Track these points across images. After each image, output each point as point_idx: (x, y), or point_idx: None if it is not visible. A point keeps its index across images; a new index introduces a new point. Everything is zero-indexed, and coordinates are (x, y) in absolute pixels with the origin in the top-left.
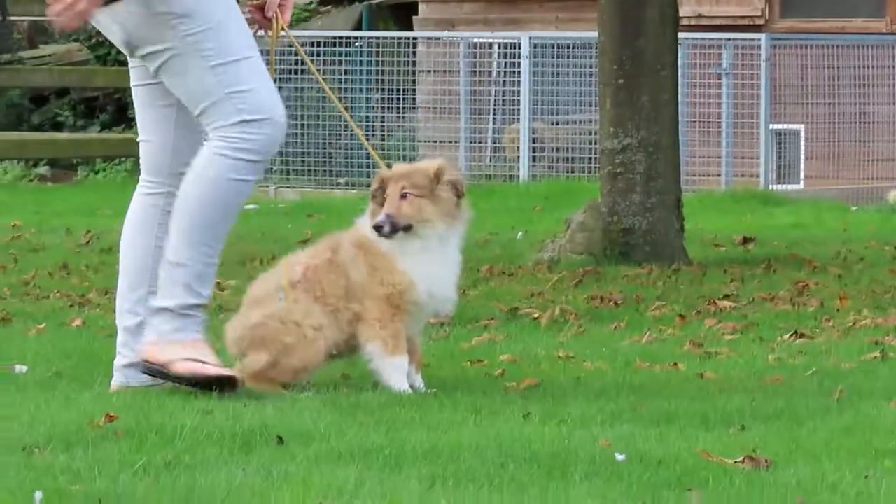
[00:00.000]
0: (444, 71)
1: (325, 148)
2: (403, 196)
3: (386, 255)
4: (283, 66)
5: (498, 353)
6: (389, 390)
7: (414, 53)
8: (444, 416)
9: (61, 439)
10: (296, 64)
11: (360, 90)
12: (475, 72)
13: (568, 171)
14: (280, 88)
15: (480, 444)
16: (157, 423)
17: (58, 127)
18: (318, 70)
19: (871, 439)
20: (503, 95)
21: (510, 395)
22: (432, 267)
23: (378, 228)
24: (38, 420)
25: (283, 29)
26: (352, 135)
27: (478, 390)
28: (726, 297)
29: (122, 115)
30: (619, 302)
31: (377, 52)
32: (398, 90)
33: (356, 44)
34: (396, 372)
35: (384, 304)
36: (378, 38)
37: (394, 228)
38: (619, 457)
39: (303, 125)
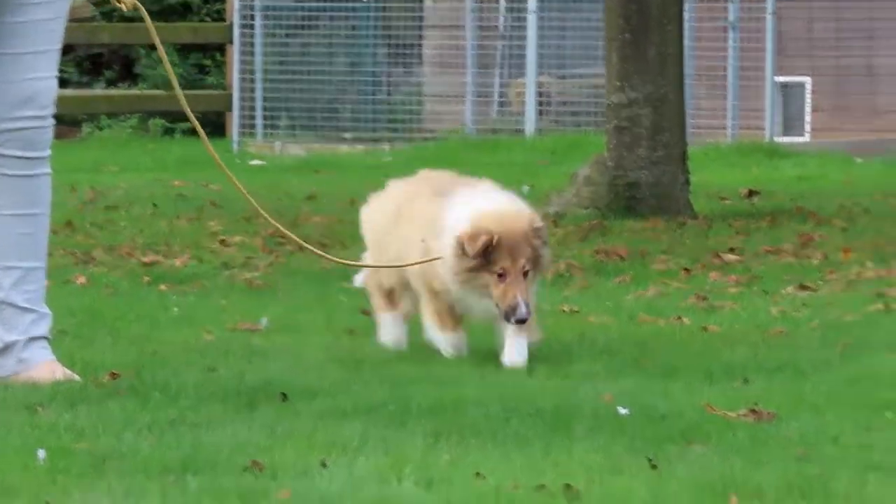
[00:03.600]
0: (451, 25)
1: (331, 103)
2: (524, 274)
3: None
4: (289, 22)
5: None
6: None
7: (421, 8)
8: (448, 371)
9: (65, 398)
10: (302, 19)
11: (367, 45)
12: (481, 26)
13: (574, 126)
14: (286, 44)
15: (484, 399)
16: (160, 382)
17: (63, 84)
18: (324, 26)
19: (873, 392)
20: (509, 49)
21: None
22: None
23: (523, 322)
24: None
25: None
26: (358, 90)
27: (482, 346)
28: (731, 250)
29: (127, 71)
30: (623, 256)
31: (384, 8)
32: (405, 45)
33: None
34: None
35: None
36: None
37: (530, 315)
38: (623, 411)
39: (308, 80)
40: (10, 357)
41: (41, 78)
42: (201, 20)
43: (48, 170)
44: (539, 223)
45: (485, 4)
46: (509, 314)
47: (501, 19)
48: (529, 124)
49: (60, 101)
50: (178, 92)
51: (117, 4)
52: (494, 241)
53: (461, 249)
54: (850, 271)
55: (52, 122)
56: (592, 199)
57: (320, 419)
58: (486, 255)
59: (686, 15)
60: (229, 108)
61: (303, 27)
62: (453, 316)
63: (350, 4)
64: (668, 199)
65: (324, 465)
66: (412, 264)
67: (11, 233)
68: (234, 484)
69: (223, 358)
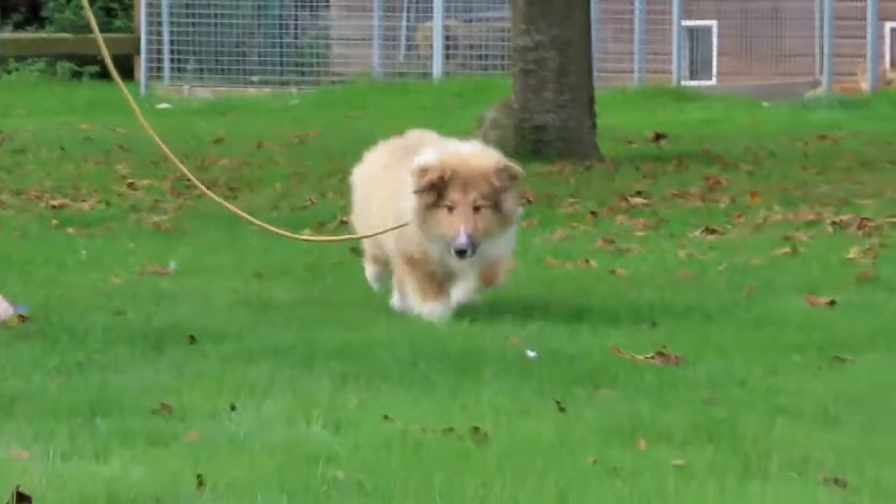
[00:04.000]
0: None
1: (238, 47)
2: (476, 209)
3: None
4: None
5: None
6: (302, 290)
7: None
8: (356, 314)
9: None
10: None
11: None
12: None
13: (481, 69)
14: None
15: (392, 342)
16: (69, 324)
17: None
18: None
19: (780, 335)
20: None
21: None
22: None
23: (462, 253)
24: None
25: None
26: (265, 33)
27: (388, 289)
28: (638, 193)
29: (34, 15)
30: (531, 199)
31: None
32: None
33: None
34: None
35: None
36: None
37: (474, 250)
38: (531, 354)
39: (215, 24)
40: None
41: None
42: None
43: None
44: (503, 165)
45: None
46: (450, 244)
47: None
48: (437, 68)
49: None
50: (98, 35)
51: None
52: (446, 176)
53: (415, 182)
54: (757, 215)
55: None
56: (499, 142)
57: (228, 362)
58: (438, 190)
59: None
60: (137, 52)
61: None
62: (436, 284)
63: None
64: (575, 143)
65: (232, 407)
66: (374, 235)
67: None
68: (142, 426)
69: (131, 301)
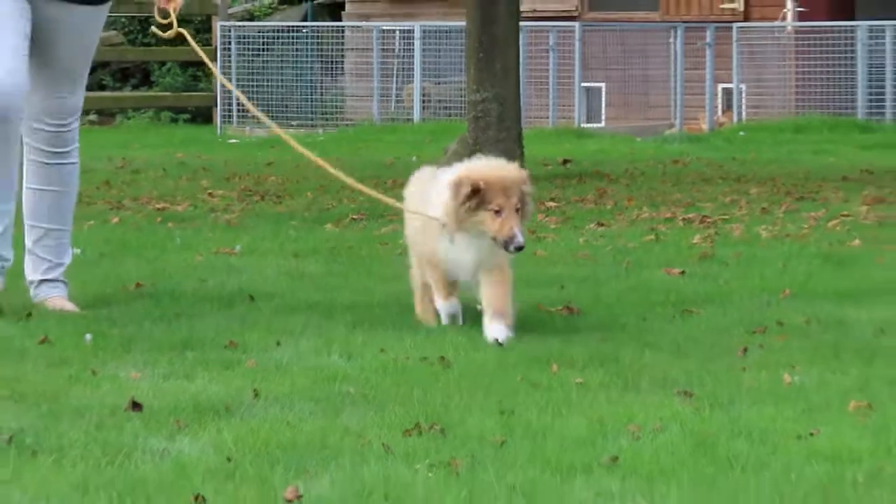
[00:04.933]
0: (363, 49)
1: (283, 100)
2: (517, 211)
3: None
4: (254, 46)
5: (399, 239)
6: (326, 265)
7: (342, 37)
8: (362, 282)
9: (102, 299)
10: (262, 44)
11: (306, 62)
12: (384, 49)
13: (447, 116)
14: (252, 60)
15: (387, 301)
16: (168, 288)
17: (102, 87)
18: (278, 49)
19: (647, 294)
20: (403, 65)
21: (407, 267)
22: (465, 258)
23: (521, 249)
24: (88, 285)
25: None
26: (301, 91)
27: (387, 264)
28: (552, 199)
29: (146, 79)
30: None
31: (318, 36)
32: (332, 62)
33: (304, 31)
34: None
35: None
36: (318, 26)
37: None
38: (479, 307)
39: (267, 85)
40: (32, 290)
41: (64, 97)
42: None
43: (73, 160)
44: (527, 175)
45: (386, 34)
46: (508, 243)
47: (397, 44)
48: (416, 115)
49: (101, 99)
50: (238, 95)
51: (162, 35)
52: (482, 185)
53: (455, 192)
54: (632, 213)
55: (73, 127)
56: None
57: (275, 313)
58: (480, 196)
59: (521, 40)
60: (215, 104)
61: (263, 50)
62: (447, 284)
63: (294, 34)
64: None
65: (278, 343)
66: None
67: (37, 202)
68: (217, 356)
69: (210, 272)
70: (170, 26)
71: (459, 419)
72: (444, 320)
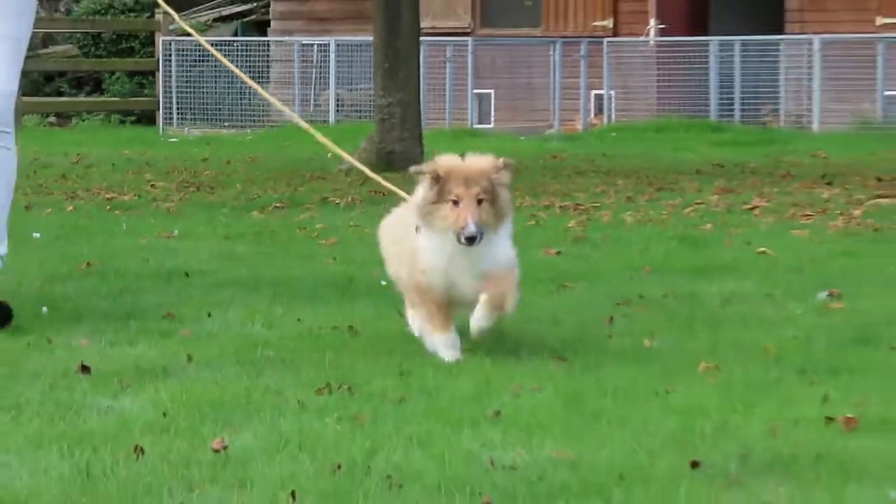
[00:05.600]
0: (286, 60)
1: (217, 104)
2: (479, 202)
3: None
4: (192, 57)
5: (315, 224)
6: (252, 247)
7: (268, 50)
8: (283, 261)
9: (58, 276)
10: (199, 56)
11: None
12: (304, 60)
13: (358, 118)
14: (191, 70)
15: (304, 276)
16: (116, 268)
17: (60, 94)
18: (212, 61)
19: (530, 272)
20: (320, 74)
21: (321, 248)
22: (454, 266)
23: (472, 240)
24: (45, 264)
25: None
26: (233, 96)
27: (303, 246)
28: None
29: (98, 86)
30: (384, 193)
31: (247, 50)
32: (259, 72)
33: (235, 45)
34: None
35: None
36: (247, 41)
37: (481, 237)
38: (383, 282)
39: (203, 90)
40: None
41: None
42: (140, 57)
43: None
44: (501, 164)
45: (306, 48)
46: (460, 234)
47: (315, 56)
48: (331, 118)
49: (59, 104)
50: (291, 114)
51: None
52: (443, 172)
53: (421, 181)
54: (515, 202)
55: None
56: (368, 160)
57: (208, 288)
58: (441, 186)
59: (422, 54)
60: (157, 108)
61: (199, 61)
62: (443, 315)
63: (227, 48)
64: (411, 161)
65: (209, 315)
66: None
67: None
68: (157, 326)
69: (152, 253)
70: None
71: (365, 379)
72: (445, 356)
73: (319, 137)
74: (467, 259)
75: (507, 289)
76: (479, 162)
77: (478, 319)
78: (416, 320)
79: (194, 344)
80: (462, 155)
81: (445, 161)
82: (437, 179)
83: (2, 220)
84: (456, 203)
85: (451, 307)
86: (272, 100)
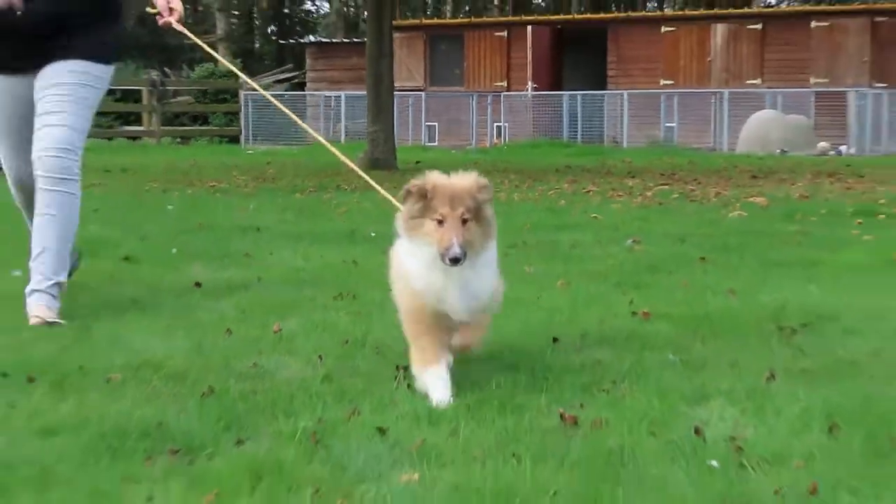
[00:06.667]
0: (316, 105)
1: (275, 129)
2: (464, 221)
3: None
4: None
5: (333, 201)
6: None
7: (305, 100)
8: (312, 221)
9: (182, 231)
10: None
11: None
12: (326, 106)
13: (359, 139)
14: (263, 112)
15: (326, 230)
16: (217, 226)
17: (183, 124)
18: (275, 110)
19: None
20: (336, 114)
21: (337, 214)
22: (443, 282)
23: (456, 261)
24: (175, 224)
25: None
26: (288, 123)
27: (325, 213)
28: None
29: (206, 120)
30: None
31: (293, 99)
32: (300, 112)
33: (285, 96)
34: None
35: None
36: (294, 94)
37: (464, 257)
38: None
39: (266, 120)
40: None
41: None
42: (230, 103)
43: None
44: (485, 182)
45: (327, 98)
46: (444, 255)
47: (332, 103)
48: (342, 139)
49: (184, 131)
50: (318, 137)
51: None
52: (429, 188)
53: (403, 198)
54: None
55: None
56: (363, 164)
57: (270, 238)
58: (426, 204)
59: (395, 101)
60: (240, 133)
61: (264, 105)
62: (435, 349)
63: (280, 97)
64: (389, 164)
65: (270, 253)
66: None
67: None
68: (240, 260)
69: (238, 218)
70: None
71: (363, 291)
72: (434, 394)
73: (334, 151)
74: (453, 278)
75: (478, 334)
76: (464, 180)
77: (469, 342)
78: (413, 364)
79: (262, 270)
80: (448, 173)
81: (432, 178)
82: (424, 195)
83: (64, 254)
84: (441, 222)
85: (442, 334)
86: (308, 128)
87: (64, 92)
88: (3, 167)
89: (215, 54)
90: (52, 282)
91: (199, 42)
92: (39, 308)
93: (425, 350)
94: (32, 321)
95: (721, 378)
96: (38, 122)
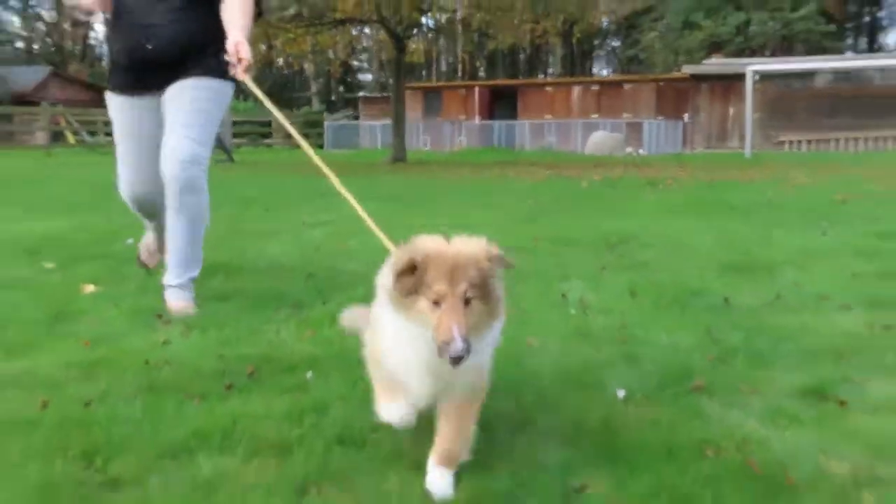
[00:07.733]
0: (366, 133)
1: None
2: (467, 302)
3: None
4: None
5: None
6: None
7: (359, 127)
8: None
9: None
10: None
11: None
12: (370, 132)
13: (386, 147)
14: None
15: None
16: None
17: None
18: (343, 131)
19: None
20: (376, 134)
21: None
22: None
23: (458, 360)
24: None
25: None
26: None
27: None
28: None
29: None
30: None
31: (354, 128)
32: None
33: (348, 126)
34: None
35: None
36: (354, 124)
37: (468, 353)
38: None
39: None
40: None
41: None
42: (320, 130)
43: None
44: (495, 251)
45: (372, 126)
46: (443, 350)
47: (373, 129)
48: (379, 146)
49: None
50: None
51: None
52: (421, 258)
53: (392, 270)
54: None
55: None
56: (389, 160)
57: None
58: (418, 277)
59: (406, 124)
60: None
61: (339, 129)
62: (396, 386)
63: (345, 124)
64: (403, 158)
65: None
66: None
67: (171, 228)
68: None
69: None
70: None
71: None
72: (392, 420)
73: (310, 153)
74: (437, 366)
75: (463, 435)
76: (467, 247)
77: (435, 485)
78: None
79: (290, 233)
80: (447, 236)
81: (425, 245)
82: (413, 270)
83: (197, 253)
84: (437, 303)
85: (406, 390)
86: (295, 133)
87: (190, 108)
88: (120, 183)
89: (269, 103)
90: (186, 278)
91: (256, 91)
92: (178, 303)
93: (386, 386)
94: (173, 312)
95: (577, 268)
96: (166, 137)
